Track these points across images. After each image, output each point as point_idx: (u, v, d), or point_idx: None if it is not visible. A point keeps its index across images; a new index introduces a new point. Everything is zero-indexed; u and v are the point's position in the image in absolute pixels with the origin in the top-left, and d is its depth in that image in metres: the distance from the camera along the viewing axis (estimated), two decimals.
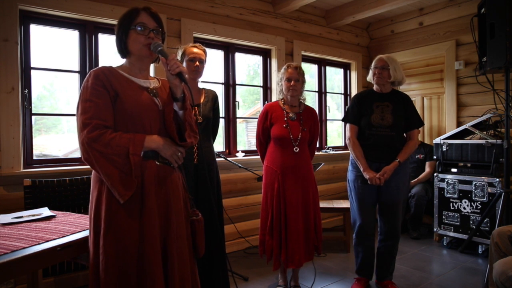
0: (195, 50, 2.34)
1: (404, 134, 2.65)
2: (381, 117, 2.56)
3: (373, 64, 2.64)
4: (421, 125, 2.67)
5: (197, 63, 2.31)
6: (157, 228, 1.43)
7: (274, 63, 4.05)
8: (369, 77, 2.69)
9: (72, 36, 2.96)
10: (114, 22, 3.02)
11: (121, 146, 1.38)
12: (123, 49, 1.53)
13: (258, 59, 4.16)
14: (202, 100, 2.40)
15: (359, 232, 2.65)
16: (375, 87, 2.68)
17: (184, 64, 2.32)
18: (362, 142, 2.61)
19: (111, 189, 1.38)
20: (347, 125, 2.69)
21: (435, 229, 3.78)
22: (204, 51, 2.39)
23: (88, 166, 2.96)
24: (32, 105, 2.74)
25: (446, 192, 3.69)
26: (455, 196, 3.61)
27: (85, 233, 1.58)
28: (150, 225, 1.41)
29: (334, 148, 4.68)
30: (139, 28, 1.47)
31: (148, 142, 1.43)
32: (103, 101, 1.41)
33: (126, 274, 1.38)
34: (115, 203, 1.39)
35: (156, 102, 1.51)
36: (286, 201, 2.47)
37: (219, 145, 3.79)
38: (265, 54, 4.10)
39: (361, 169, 2.55)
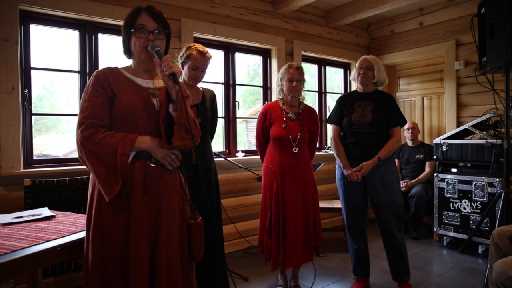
0: (200, 59, 2.24)
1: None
2: (362, 115, 2.59)
3: (357, 64, 2.67)
4: (403, 123, 2.67)
5: (199, 73, 2.26)
6: (145, 229, 1.42)
7: (274, 63, 4.05)
8: (353, 76, 2.73)
9: (72, 36, 2.96)
10: (114, 22, 3.05)
11: (111, 146, 1.39)
12: (126, 51, 1.56)
13: (258, 59, 4.16)
14: (200, 100, 2.38)
15: (348, 230, 2.69)
16: (358, 87, 2.73)
17: (186, 68, 2.27)
18: (344, 141, 2.66)
19: (99, 187, 1.40)
20: (331, 126, 2.75)
21: (435, 229, 3.78)
22: (209, 59, 2.30)
23: None
24: (32, 105, 2.74)
25: (446, 192, 3.69)
26: (455, 196, 3.61)
27: (85, 233, 1.58)
28: (136, 226, 1.40)
29: None
30: (138, 31, 1.47)
31: (140, 142, 1.43)
32: (100, 101, 1.43)
33: (111, 272, 1.39)
34: (105, 201, 1.41)
35: (154, 103, 1.51)
36: (285, 201, 2.46)
37: (219, 145, 3.79)
38: (265, 54, 4.10)
39: (342, 167, 2.59)
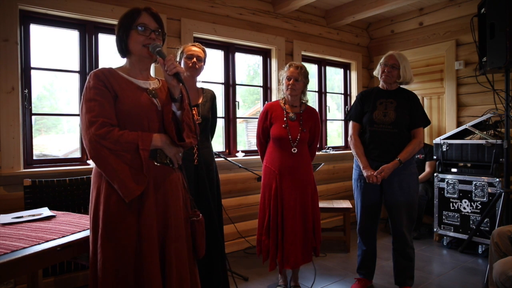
0: (193, 48, 2.33)
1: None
2: (384, 113, 2.51)
3: (382, 60, 2.56)
4: (427, 123, 2.58)
5: (194, 59, 2.29)
6: (155, 228, 1.43)
7: (274, 63, 4.05)
8: (376, 72, 2.63)
9: (72, 36, 2.96)
10: (114, 22, 3.04)
11: (130, 143, 1.39)
12: (123, 49, 1.55)
13: (258, 59, 4.16)
14: (200, 101, 2.39)
15: (359, 231, 2.66)
16: (381, 84, 2.63)
17: (182, 63, 2.31)
18: (364, 139, 2.59)
19: (118, 187, 1.37)
20: (350, 122, 2.68)
21: (435, 229, 3.78)
22: (203, 50, 2.38)
23: (88, 166, 2.95)
24: (32, 105, 2.74)
25: (446, 192, 3.69)
26: (455, 196, 3.61)
27: (85, 233, 1.59)
28: (147, 225, 1.41)
29: (334, 148, 4.68)
30: (140, 29, 1.49)
31: (155, 140, 1.46)
32: (106, 100, 1.43)
33: (123, 273, 1.39)
34: (113, 202, 1.40)
35: (155, 103, 1.52)
36: (284, 202, 2.46)
37: (219, 145, 3.79)
38: (265, 54, 4.10)
39: (361, 167, 2.53)
